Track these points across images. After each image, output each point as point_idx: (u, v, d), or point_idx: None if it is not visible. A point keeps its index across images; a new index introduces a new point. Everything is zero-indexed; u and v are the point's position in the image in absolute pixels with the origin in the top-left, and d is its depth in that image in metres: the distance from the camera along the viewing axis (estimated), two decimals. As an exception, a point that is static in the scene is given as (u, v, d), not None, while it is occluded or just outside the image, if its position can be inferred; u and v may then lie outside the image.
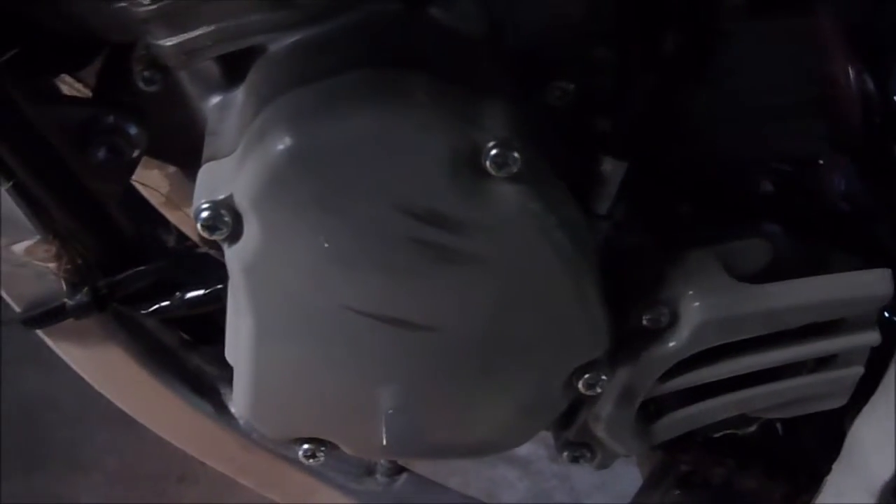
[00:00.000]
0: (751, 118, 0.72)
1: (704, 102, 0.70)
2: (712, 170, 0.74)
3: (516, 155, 0.59)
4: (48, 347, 0.81)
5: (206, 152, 0.66)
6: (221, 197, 0.61)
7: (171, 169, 0.91)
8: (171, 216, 0.89)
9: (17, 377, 1.71)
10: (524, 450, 1.82)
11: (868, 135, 0.75)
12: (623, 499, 0.93)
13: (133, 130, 0.72)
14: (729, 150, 0.73)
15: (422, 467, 0.98)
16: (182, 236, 0.84)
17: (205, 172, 0.64)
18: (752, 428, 0.83)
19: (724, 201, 0.75)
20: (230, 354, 0.69)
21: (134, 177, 0.81)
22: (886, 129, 0.76)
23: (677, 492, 0.88)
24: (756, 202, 0.77)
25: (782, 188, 0.77)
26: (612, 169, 0.67)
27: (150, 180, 0.92)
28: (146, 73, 0.67)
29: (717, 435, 0.84)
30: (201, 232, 0.61)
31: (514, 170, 0.59)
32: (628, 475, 1.03)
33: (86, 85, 0.77)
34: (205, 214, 0.60)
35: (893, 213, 0.80)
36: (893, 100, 0.77)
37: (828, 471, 0.82)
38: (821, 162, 0.78)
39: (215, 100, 0.68)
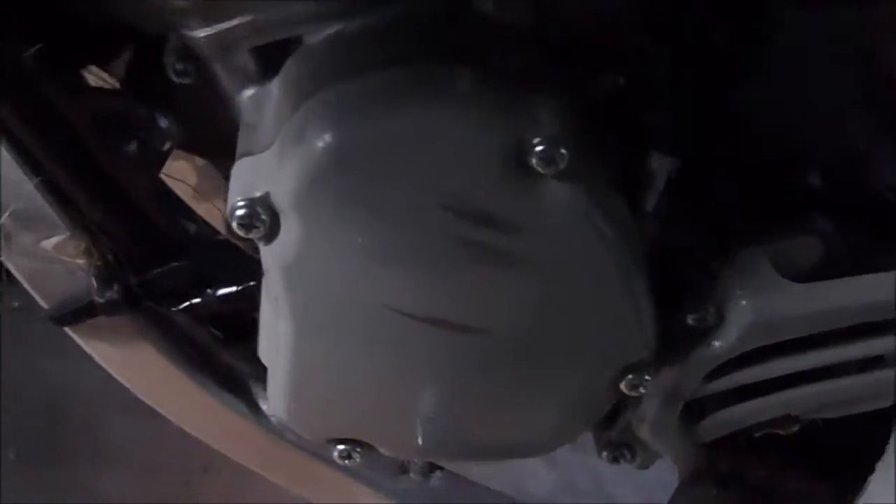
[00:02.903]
0: (802, 111, 0.70)
1: (755, 96, 0.68)
2: (761, 164, 0.72)
3: (563, 151, 0.57)
4: (70, 339, 0.80)
5: (240, 147, 0.64)
6: (258, 195, 0.59)
7: (199, 161, 0.90)
8: (199, 209, 0.88)
9: (40, 369, 1.70)
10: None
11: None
12: (648, 488, 0.91)
13: (164, 123, 0.70)
14: (779, 143, 0.71)
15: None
16: (212, 230, 0.82)
17: (240, 168, 0.62)
18: (796, 428, 0.81)
19: (773, 196, 0.74)
20: (265, 354, 0.67)
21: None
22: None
23: (716, 492, 0.86)
24: (805, 196, 0.75)
25: (831, 181, 0.75)
26: (659, 165, 0.65)
27: (178, 172, 0.91)
28: (179, 66, 0.65)
29: (759, 434, 0.83)
30: (237, 230, 0.59)
31: (562, 167, 0.57)
32: (654, 465, 1.01)
33: (112, 76, 0.75)
34: (241, 212, 0.59)
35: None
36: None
37: (872, 470, 0.80)
38: (870, 154, 0.75)
39: (250, 93, 0.66)
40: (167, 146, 0.70)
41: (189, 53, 0.65)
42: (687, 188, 0.68)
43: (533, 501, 1.70)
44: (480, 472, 1.33)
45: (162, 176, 0.85)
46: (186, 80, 0.66)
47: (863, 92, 0.72)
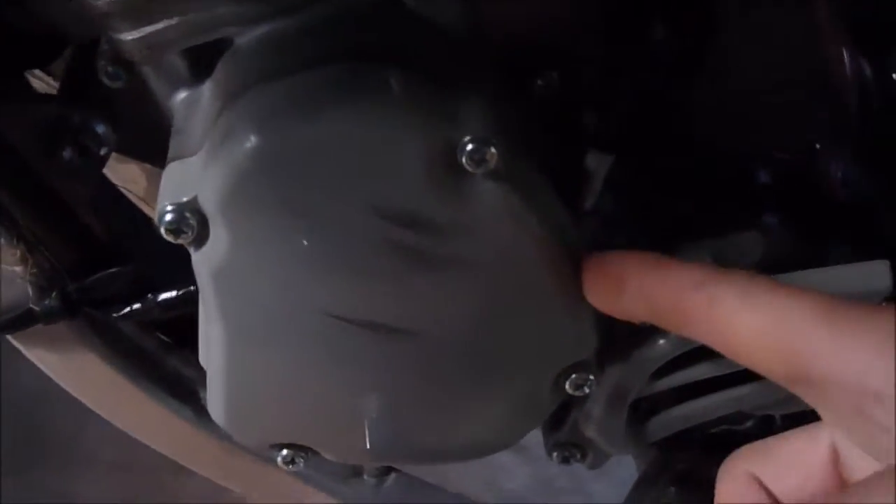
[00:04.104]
0: (746, 109, 0.69)
1: (696, 94, 0.68)
2: (706, 162, 0.71)
3: (493, 150, 0.56)
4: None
5: (170, 152, 0.63)
6: (185, 199, 0.58)
7: (148, 165, 0.89)
8: (150, 212, 0.87)
9: (13, 373, 1.69)
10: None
11: (866, 120, 0.72)
12: (625, 485, 0.91)
13: (101, 128, 0.69)
14: (724, 141, 0.71)
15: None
16: (154, 234, 0.81)
17: (169, 173, 0.61)
18: (750, 424, 0.81)
19: (720, 194, 0.73)
20: (203, 359, 0.66)
21: (110, 173, 0.79)
22: (885, 114, 0.74)
23: (673, 489, 0.85)
24: (753, 194, 0.74)
25: (779, 178, 0.74)
26: (597, 163, 0.64)
27: (127, 175, 0.90)
28: (111, 69, 0.64)
29: (714, 431, 0.82)
30: (165, 236, 0.58)
31: (492, 166, 0.56)
32: (631, 462, 1.01)
33: (56, 78, 0.74)
34: (168, 217, 0.58)
35: (893, 201, 0.77)
36: (894, 81, 0.74)
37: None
38: (818, 149, 0.75)
39: (181, 96, 0.65)
40: (104, 152, 0.69)
41: (119, 57, 0.64)
42: (629, 186, 0.68)
43: (505, 501, 1.69)
44: (452, 471, 1.33)
45: (109, 179, 0.85)
46: (119, 84, 0.65)
47: (808, 90, 0.71)
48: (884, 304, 0.72)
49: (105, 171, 0.76)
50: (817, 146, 0.75)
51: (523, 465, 1.79)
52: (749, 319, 0.45)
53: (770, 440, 0.46)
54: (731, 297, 0.45)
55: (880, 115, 0.73)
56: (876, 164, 0.76)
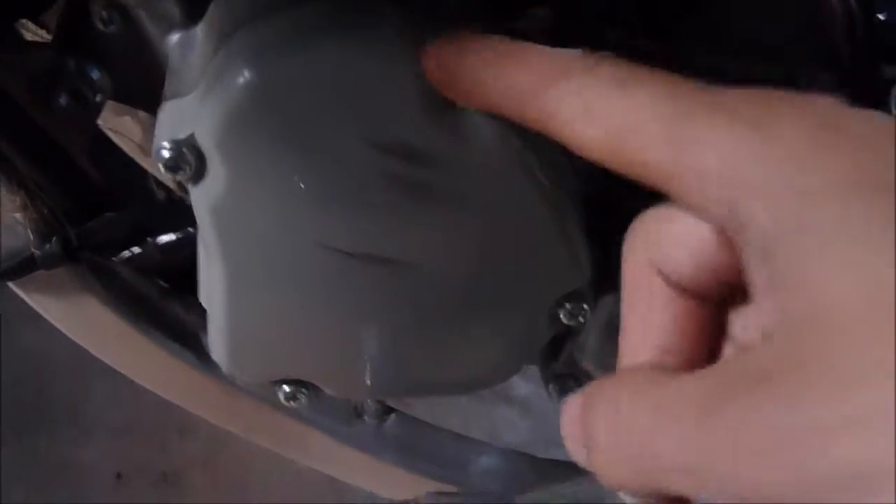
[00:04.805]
0: (739, 41, 0.70)
1: (686, 29, 0.69)
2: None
3: (486, 81, 0.56)
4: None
5: (166, 92, 0.64)
6: (183, 136, 0.59)
7: (143, 115, 0.89)
8: (145, 163, 0.88)
9: (13, 336, 1.70)
10: (524, 390, 1.82)
11: (852, 52, 0.73)
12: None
13: (96, 75, 0.70)
14: (715, 75, 0.72)
15: (420, 409, 0.97)
16: (157, 182, 0.82)
17: (165, 112, 0.62)
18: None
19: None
20: (203, 298, 0.67)
21: (106, 124, 0.80)
22: (869, 46, 0.74)
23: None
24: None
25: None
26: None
27: (123, 127, 0.90)
28: (105, 14, 0.65)
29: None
30: (163, 172, 0.59)
31: (485, 98, 0.57)
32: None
33: (48, 30, 0.75)
34: (166, 154, 0.59)
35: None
36: (877, 17, 0.75)
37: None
38: (808, 84, 0.76)
39: (175, 38, 0.66)
40: (99, 98, 0.70)
41: (114, 1, 0.65)
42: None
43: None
44: (454, 420, 1.33)
45: (104, 130, 0.85)
46: (113, 29, 0.66)
47: (798, 24, 0.72)
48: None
49: (100, 123, 0.77)
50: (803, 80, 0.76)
51: (524, 418, 1.81)
52: (592, 134, 0.40)
53: (662, 219, 0.39)
54: (575, 107, 0.41)
55: (863, 48, 0.73)
56: (863, 96, 0.77)
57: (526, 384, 1.74)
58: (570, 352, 0.74)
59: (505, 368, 0.72)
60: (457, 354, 0.70)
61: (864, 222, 0.30)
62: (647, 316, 0.39)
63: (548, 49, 0.44)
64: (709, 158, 0.35)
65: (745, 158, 0.34)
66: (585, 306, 0.68)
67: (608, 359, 0.74)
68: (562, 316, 0.68)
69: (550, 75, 0.43)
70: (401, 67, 0.57)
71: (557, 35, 0.66)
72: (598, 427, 0.36)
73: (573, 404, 0.38)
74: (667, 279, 0.37)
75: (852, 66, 0.74)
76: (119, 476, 1.74)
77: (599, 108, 0.40)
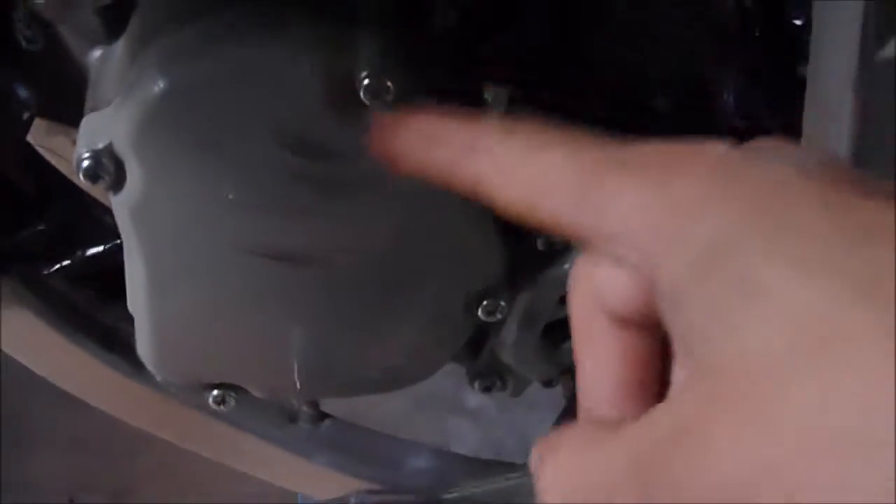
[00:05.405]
0: (633, 37, 0.72)
1: (585, 25, 0.71)
2: (606, 91, 0.75)
3: (390, 84, 0.59)
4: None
5: (87, 105, 0.66)
6: (101, 145, 0.61)
7: (75, 133, 0.91)
8: (78, 180, 0.89)
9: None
10: (474, 401, 1.84)
11: (751, 47, 0.76)
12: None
13: (23, 93, 0.72)
14: (623, 70, 0.74)
15: (367, 420, 0.99)
16: (80, 192, 0.84)
17: (85, 125, 0.64)
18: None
19: (622, 122, 0.76)
20: (130, 304, 0.69)
21: (39, 144, 0.81)
22: (775, 43, 0.77)
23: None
24: (653, 122, 0.78)
25: (677, 107, 0.78)
26: (495, 96, 0.67)
27: (57, 147, 0.92)
28: (27, 32, 0.67)
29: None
30: (84, 181, 0.61)
31: (390, 99, 0.59)
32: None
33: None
34: (86, 164, 0.61)
35: (790, 128, 0.81)
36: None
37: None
38: (706, 77, 0.78)
39: (97, 54, 0.67)
40: (26, 116, 0.72)
41: (35, 18, 0.66)
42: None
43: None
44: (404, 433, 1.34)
45: (39, 149, 0.87)
46: (37, 47, 0.68)
47: (706, 23, 0.75)
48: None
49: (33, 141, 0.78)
50: (702, 74, 0.78)
51: (475, 430, 1.83)
52: (508, 197, 0.42)
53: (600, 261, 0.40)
54: (492, 173, 0.43)
55: (765, 40, 0.76)
56: (771, 92, 0.80)
57: (474, 396, 1.76)
58: (491, 348, 0.76)
59: (426, 365, 0.75)
60: (378, 350, 0.72)
61: (758, 269, 0.31)
62: (597, 352, 0.40)
63: (468, 121, 0.46)
64: (613, 222, 0.36)
65: (648, 216, 0.35)
66: (502, 303, 0.70)
67: (527, 353, 0.76)
68: (479, 313, 0.70)
69: (470, 146, 0.45)
70: (305, 66, 0.59)
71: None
72: (546, 479, 0.39)
73: (534, 451, 0.41)
74: (611, 315, 0.39)
75: (756, 62, 0.77)
76: (71, 502, 1.74)
77: (513, 173, 0.42)
